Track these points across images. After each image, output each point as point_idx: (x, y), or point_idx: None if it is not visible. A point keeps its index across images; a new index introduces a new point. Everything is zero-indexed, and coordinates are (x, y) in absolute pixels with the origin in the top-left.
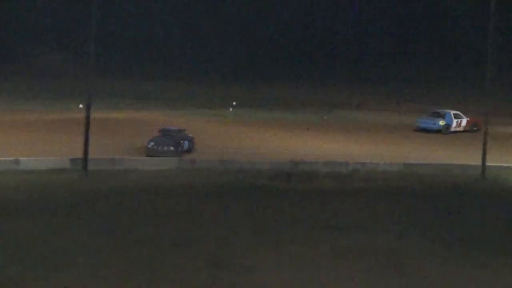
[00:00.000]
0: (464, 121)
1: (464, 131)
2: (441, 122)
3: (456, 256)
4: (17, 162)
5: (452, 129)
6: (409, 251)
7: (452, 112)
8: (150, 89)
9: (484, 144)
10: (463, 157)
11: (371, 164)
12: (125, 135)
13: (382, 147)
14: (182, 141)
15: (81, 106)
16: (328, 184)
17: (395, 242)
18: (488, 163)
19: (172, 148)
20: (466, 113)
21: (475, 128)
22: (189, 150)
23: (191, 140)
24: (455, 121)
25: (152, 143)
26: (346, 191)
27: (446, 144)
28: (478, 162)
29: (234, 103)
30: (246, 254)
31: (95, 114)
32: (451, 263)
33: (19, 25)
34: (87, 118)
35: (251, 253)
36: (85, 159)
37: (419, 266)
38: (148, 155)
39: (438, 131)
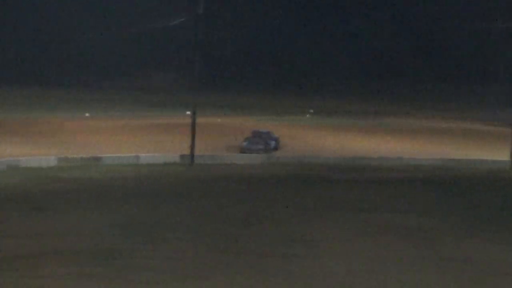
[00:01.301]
0: None
1: None
2: None
3: (475, 231)
4: (137, 157)
5: None
6: (435, 228)
7: None
8: (244, 99)
9: None
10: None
11: (418, 159)
12: (224, 136)
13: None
14: (269, 141)
15: (188, 112)
16: (380, 175)
17: (422, 221)
18: None
19: (261, 147)
20: None
21: None
22: (275, 148)
23: (277, 140)
24: None
25: (245, 143)
26: (395, 180)
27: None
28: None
29: (311, 110)
30: (310, 230)
31: (200, 119)
32: (471, 236)
33: (137, 51)
34: (193, 122)
35: (314, 230)
36: (191, 155)
37: (442, 239)
38: (242, 152)
39: None
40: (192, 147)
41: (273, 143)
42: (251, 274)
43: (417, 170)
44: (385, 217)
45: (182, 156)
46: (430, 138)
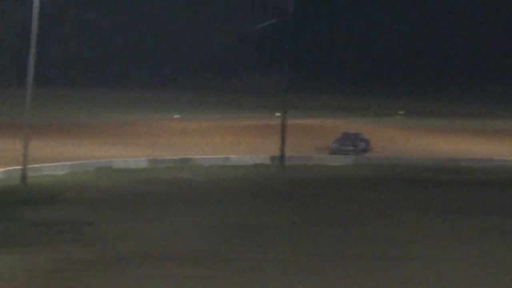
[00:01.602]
0: None
1: None
2: None
3: None
4: (227, 159)
5: None
6: None
7: None
8: (335, 100)
9: None
10: None
11: (509, 161)
12: (313, 137)
13: None
14: (359, 142)
15: (278, 114)
16: (471, 176)
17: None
18: None
19: (351, 148)
20: None
21: None
22: (365, 150)
23: (366, 142)
24: None
25: (335, 144)
26: (486, 181)
27: None
28: None
29: (401, 111)
30: (401, 230)
31: (290, 121)
32: None
33: (227, 53)
34: (283, 123)
35: (404, 229)
36: (282, 156)
37: None
38: (332, 154)
39: None
40: (283, 148)
41: (362, 145)
42: (347, 275)
43: (508, 172)
44: (479, 219)
45: (272, 158)
46: None
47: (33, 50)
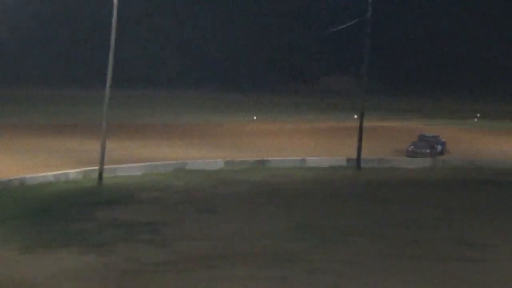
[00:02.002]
0: None
1: None
2: None
3: None
4: (303, 161)
5: None
6: None
7: None
8: (412, 103)
9: None
10: None
11: None
12: (390, 140)
13: None
14: (436, 145)
15: (355, 116)
16: None
17: None
18: None
19: (428, 151)
20: None
21: None
22: (441, 152)
23: (443, 144)
24: None
25: (412, 146)
26: None
27: None
28: None
29: (478, 115)
30: (479, 232)
31: (367, 123)
32: None
33: (309, 55)
34: (361, 126)
35: (482, 231)
36: (358, 158)
37: None
38: (408, 156)
39: None
40: (359, 150)
41: (439, 147)
42: (427, 278)
43: None
44: None
45: (348, 160)
46: None
47: (112, 51)
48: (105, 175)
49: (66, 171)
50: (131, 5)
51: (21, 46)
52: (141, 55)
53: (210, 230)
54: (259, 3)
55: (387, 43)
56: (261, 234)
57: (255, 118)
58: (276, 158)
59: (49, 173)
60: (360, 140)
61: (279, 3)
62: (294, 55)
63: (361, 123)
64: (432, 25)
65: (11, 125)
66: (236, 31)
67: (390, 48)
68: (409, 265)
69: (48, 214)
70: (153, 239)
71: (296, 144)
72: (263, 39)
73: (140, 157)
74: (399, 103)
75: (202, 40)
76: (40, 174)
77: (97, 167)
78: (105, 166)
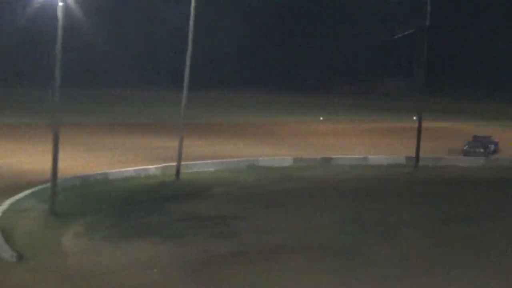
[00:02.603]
0: None
1: None
2: None
3: None
4: (365, 159)
5: None
6: None
7: None
8: (466, 105)
9: None
10: None
11: None
12: (444, 140)
13: None
14: (489, 145)
15: (414, 118)
16: None
17: None
18: None
19: (481, 150)
20: None
21: None
22: (494, 152)
23: (495, 144)
24: None
25: (466, 146)
26: None
27: None
28: None
29: None
30: None
31: (425, 124)
32: None
33: (367, 59)
34: (419, 127)
35: None
36: (417, 157)
37: None
38: (464, 155)
39: None
40: (418, 149)
41: (492, 147)
42: (482, 270)
43: None
44: None
45: (407, 158)
46: None
47: (189, 53)
48: (182, 170)
49: (146, 167)
50: (204, 8)
51: (109, 48)
52: (206, 57)
53: (277, 223)
54: (319, 11)
55: (442, 47)
56: (324, 227)
57: (321, 118)
58: (340, 156)
59: (130, 169)
60: (418, 139)
61: (337, 10)
62: (353, 59)
63: (419, 124)
64: (487, 28)
65: (93, 123)
66: (297, 35)
67: (445, 51)
68: (464, 258)
69: (128, 207)
70: (224, 231)
71: (358, 143)
72: (323, 44)
73: (214, 154)
74: (454, 104)
75: (265, 43)
76: (122, 170)
77: (174, 163)
78: (183, 163)
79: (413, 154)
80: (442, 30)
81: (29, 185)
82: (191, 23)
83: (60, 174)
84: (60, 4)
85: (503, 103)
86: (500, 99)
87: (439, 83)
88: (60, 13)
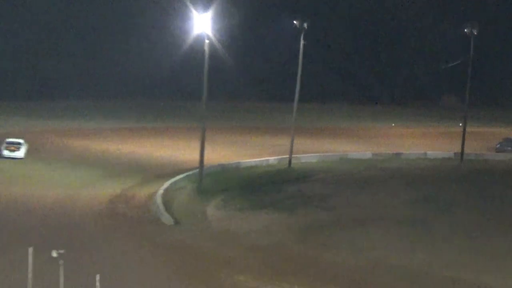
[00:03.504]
0: None
1: None
2: None
3: None
4: (425, 154)
5: None
6: None
7: None
8: (501, 114)
9: None
10: None
11: None
12: (483, 141)
13: None
14: None
15: (460, 124)
16: None
17: None
18: None
19: (510, 148)
20: None
21: None
22: None
23: None
24: None
25: (498, 145)
26: None
27: None
28: None
29: None
30: None
31: (469, 129)
32: None
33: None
34: (464, 130)
35: None
36: (462, 152)
37: None
38: (497, 152)
39: None
40: (463, 147)
41: None
42: None
43: None
44: None
45: (455, 154)
46: None
47: (299, 77)
48: (292, 161)
49: (266, 158)
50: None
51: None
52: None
53: (362, 200)
54: (395, 42)
55: (486, 71)
56: (397, 204)
57: (393, 124)
58: (407, 152)
59: (255, 159)
60: (463, 140)
61: (407, 42)
62: (419, 80)
63: (464, 128)
64: None
65: (228, 127)
66: (378, 62)
67: (490, 70)
68: (505, 226)
69: (254, 187)
70: (324, 206)
71: (420, 143)
72: (398, 69)
73: (316, 150)
74: (492, 113)
75: (352, 67)
76: (249, 160)
77: (287, 156)
78: (293, 155)
79: (460, 151)
80: (485, 58)
81: (183, 171)
82: (300, 57)
83: (205, 163)
84: (207, 41)
85: None
86: None
87: (482, 96)
88: (206, 48)
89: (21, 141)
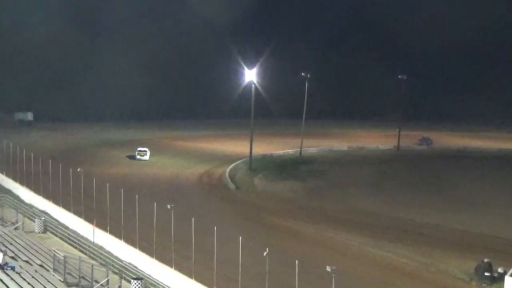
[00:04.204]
0: None
1: None
2: None
3: None
4: (377, 147)
5: None
6: None
7: None
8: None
9: None
10: None
11: None
12: (412, 138)
13: None
14: (429, 141)
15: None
16: None
17: None
18: None
19: (425, 143)
20: None
21: None
22: (431, 144)
23: (432, 140)
24: None
25: (418, 141)
26: None
27: None
28: None
29: None
30: None
31: (406, 132)
32: None
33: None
34: (399, 133)
35: None
36: (398, 145)
37: None
38: (418, 145)
39: None
40: (398, 142)
41: (430, 142)
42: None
43: None
44: None
45: (394, 146)
46: None
47: (305, 101)
48: (302, 152)
49: (287, 150)
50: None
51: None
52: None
53: (345, 174)
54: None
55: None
56: (362, 174)
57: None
58: (367, 146)
59: (281, 151)
60: (399, 138)
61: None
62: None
63: (399, 132)
64: None
65: (263, 133)
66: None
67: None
68: (421, 186)
69: (280, 167)
70: (322, 177)
71: (375, 141)
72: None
73: (318, 145)
74: (415, 122)
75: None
76: (277, 152)
77: (298, 149)
78: (303, 148)
79: (397, 145)
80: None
81: (240, 158)
82: (306, 94)
83: (252, 154)
84: (253, 86)
85: None
86: None
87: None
88: (253, 91)
89: (146, 149)
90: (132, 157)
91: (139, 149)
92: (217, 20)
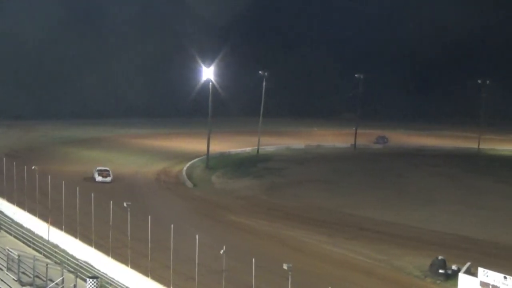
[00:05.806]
0: None
1: None
2: None
3: None
4: (334, 145)
5: None
6: None
7: None
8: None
9: None
10: None
11: None
12: (368, 137)
13: None
14: (385, 139)
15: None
16: None
17: None
18: None
19: (381, 142)
20: None
21: None
22: (387, 142)
23: (387, 139)
24: None
25: (375, 140)
26: None
27: None
28: None
29: None
30: None
31: (362, 131)
32: None
33: None
34: (356, 131)
35: None
36: (355, 144)
37: None
38: (374, 144)
39: None
40: (355, 141)
41: (386, 140)
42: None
43: None
44: None
45: (351, 144)
46: None
47: (262, 105)
48: (260, 150)
49: (245, 148)
50: None
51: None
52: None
53: (301, 171)
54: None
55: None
56: (322, 171)
57: (316, 129)
58: (324, 144)
59: (238, 149)
60: (355, 137)
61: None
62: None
63: (356, 130)
64: None
65: (221, 131)
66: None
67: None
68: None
69: (238, 165)
70: (280, 174)
71: (332, 139)
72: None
73: (274, 143)
74: (371, 122)
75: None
76: (235, 150)
77: (256, 147)
78: (260, 147)
79: (354, 143)
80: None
81: (197, 156)
82: (263, 95)
83: (211, 151)
84: (210, 84)
85: None
86: None
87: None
88: (210, 89)
89: (108, 168)
90: (91, 180)
91: (98, 168)
92: (176, 19)
